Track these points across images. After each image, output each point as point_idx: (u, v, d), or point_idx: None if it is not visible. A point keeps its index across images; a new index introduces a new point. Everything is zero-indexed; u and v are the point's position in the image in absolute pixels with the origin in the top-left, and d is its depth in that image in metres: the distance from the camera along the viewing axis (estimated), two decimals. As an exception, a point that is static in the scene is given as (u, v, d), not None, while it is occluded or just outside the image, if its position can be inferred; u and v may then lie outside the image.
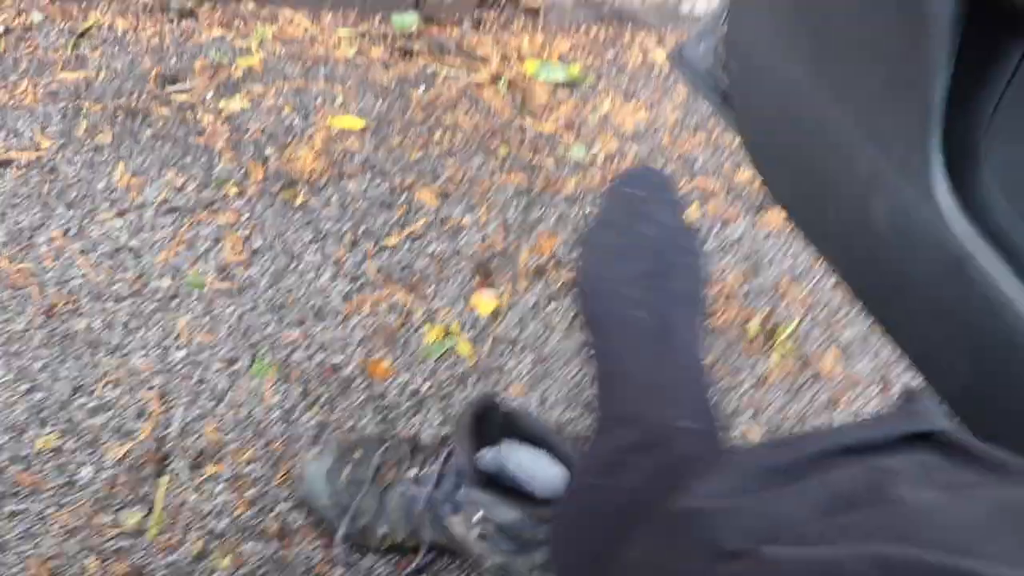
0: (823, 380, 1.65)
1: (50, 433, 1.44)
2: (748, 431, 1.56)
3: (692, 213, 1.86)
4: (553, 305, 1.65)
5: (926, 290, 0.82)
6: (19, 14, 2.13)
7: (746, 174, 1.95)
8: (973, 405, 0.86)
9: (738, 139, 1.99)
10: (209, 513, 1.40)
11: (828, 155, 0.90)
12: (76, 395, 1.48)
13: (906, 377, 1.68)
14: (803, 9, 0.88)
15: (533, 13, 2.22)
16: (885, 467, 0.49)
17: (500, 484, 1.22)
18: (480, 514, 1.15)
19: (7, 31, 2.07)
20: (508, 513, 1.13)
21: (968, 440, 0.50)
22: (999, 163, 0.74)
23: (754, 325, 1.70)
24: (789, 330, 1.70)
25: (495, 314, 1.62)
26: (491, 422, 1.20)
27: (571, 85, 2.08)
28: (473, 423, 1.15)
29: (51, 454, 1.42)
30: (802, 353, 1.69)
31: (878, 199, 0.81)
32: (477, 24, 2.18)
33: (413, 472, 1.26)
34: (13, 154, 1.82)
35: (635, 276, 0.98)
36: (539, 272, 1.69)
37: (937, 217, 0.75)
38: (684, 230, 0.91)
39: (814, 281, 1.80)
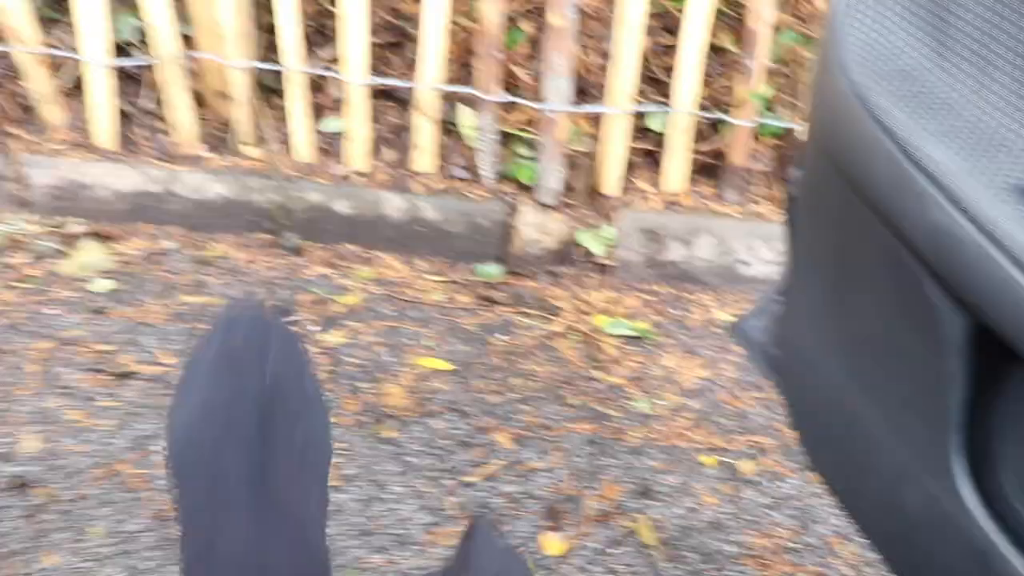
0: (868, 642, 1.74)
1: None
2: None
3: (746, 469, 2.00)
4: (616, 550, 1.78)
5: (951, 574, 0.91)
6: (153, 241, 2.42)
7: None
8: None
9: (790, 401, 2.15)
10: None
11: (861, 444, 1.02)
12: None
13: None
14: (839, 316, 1.03)
15: (605, 270, 2.46)
16: None
17: None
18: None
19: (145, 256, 2.35)
20: None
21: None
22: (1017, 467, 0.84)
23: (803, 582, 1.81)
24: (836, 590, 1.80)
25: (562, 556, 1.75)
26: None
27: (637, 339, 2.29)
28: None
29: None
30: (849, 613, 1.78)
31: (908, 488, 0.92)
32: (554, 277, 2.43)
33: None
34: (139, 367, 2.05)
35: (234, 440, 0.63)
36: (604, 518, 1.83)
37: (962, 511, 0.85)
38: (307, 374, 0.67)
39: (863, 540, 1.91)
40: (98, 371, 2.05)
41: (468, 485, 1.86)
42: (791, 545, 1.87)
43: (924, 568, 0.98)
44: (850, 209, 0.97)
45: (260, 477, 0.62)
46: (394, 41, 2.54)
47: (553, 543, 1.77)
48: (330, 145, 2.56)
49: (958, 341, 0.75)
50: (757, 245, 2.47)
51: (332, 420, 1.94)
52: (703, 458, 2.01)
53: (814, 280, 1.11)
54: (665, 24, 2.49)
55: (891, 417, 0.94)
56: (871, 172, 0.86)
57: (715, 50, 2.49)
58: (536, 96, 2.44)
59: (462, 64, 2.49)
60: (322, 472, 0.67)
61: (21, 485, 1.78)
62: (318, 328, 2.20)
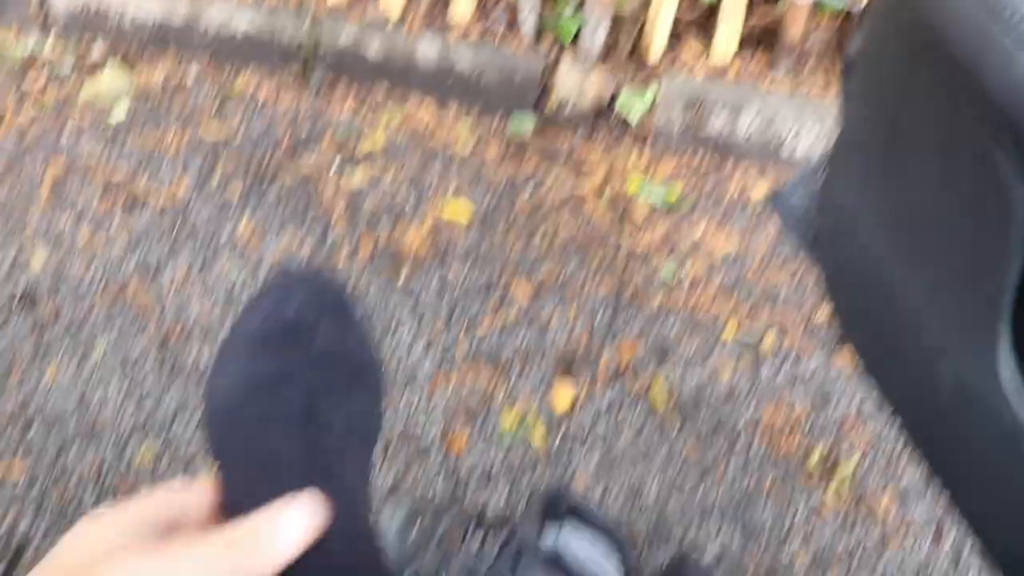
0: (877, 519, 1.70)
1: (149, 448, 1.57)
2: (796, 557, 1.61)
3: (767, 344, 1.94)
4: (626, 409, 1.74)
5: (982, 456, 0.87)
6: (176, 71, 2.34)
7: (825, 313, 2.03)
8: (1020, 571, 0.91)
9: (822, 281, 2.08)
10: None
11: (898, 319, 0.97)
12: (177, 419, 1.61)
13: (960, 531, 1.72)
14: (889, 185, 0.97)
15: (642, 134, 2.36)
16: None
17: (556, 564, 1.30)
18: (536, 592, 1.23)
19: (166, 85, 2.28)
20: (563, 594, 1.20)
21: None
22: None
23: (815, 457, 1.76)
24: (849, 467, 1.76)
25: (571, 409, 1.71)
26: (557, 509, 1.28)
27: (670, 207, 2.20)
28: (543, 507, 1.23)
29: (149, 469, 1.54)
30: (859, 490, 1.74)
31: (943, 366, 0.88)
32: (589, 136, 2.33)
33: (476, 544, 1.34)
34: (152, 194, 2.00)
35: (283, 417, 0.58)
36: (617, 376, 1.78)
37: (998, 394, 0.81)
38: (360, 345, 0.62)
39: (879, 423, 1.86)
40: (111, 196, 2.00)
41: (480, 332, 1.81)
42: (805, 423, 1.82)
43: (952, 449, 0.95)
44: (916, 69, 0.89)
45: (307, 459, 0.56)
46: None
47: (564, 396, 1.73)
48: (366, -16, 2.45)
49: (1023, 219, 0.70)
50: (802, 124, 2.35)
51: (348, 259, 1.89)
52: (724, 329, 1.94)
53: (866, 148, 1.05)
54: None
55: (934, 293, 0.90)
56: (947, 23, 0.79)
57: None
58: (585, -55, 2.31)
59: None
60: (370, 446, 0.61)
61: (29, 300, 1.75)
62: (340, 169, 2.13)
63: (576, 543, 1.30)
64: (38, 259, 1.84)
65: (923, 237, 0.92)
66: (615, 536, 1.27)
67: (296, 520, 0.48)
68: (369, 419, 0.63)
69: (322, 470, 0.58)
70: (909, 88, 0.94)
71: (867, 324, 1.11)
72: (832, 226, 1.16)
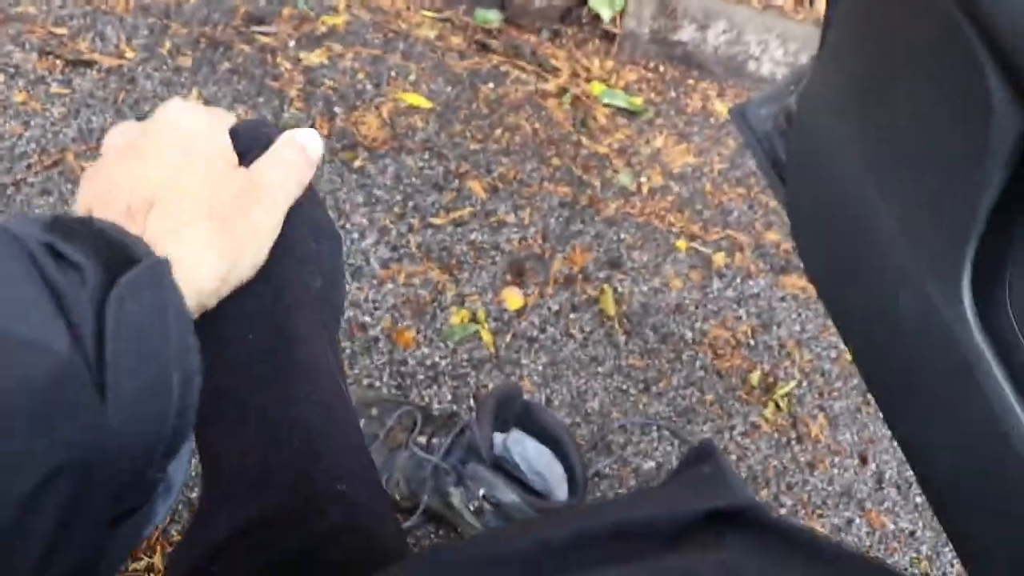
0: (807, 442, 1.74)
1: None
2: (731, 473, 1.65)
3: (718, 261, 1.94)
4: (575, 315, 1.73)
5: (932, 384, 0.88)
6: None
7: (775, 235, 2.04)
8: (950, 500, 0.93)
9: (775, 202, 2.08)
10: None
11: (865, 242, 0.96)
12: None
13: (884, 458, 1.77)
14: (871, 104, 0.95)
15: (609, 38, 2.30)
16: (683, 571, 0.35)
17: (501, 468, 1.30)
18: (482, 491, 1.23)
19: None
20: (509, 495, 1.21)
21: (783, 522, 0.38)
22: (1020, 290, 0.80)
23: (755, 377, 1.79)
24: (786, 389, 1.79)
25: (520, 311, 1.70)
26: (508, 409, 1.28)
27: (631, 114, 2.17)
28: (496, 407, 1.23)
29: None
30: (793, 413, 1.77)
31: (906, 293, 0.88)
32: (555, 35, 2.27)
33: (422, 439, 1.34)
34: (97, 56, 1.90)
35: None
36: (568, 281, 1.77)
37: (957, 322, 0.82)
38: (331, 224, 0.62)
39: (818, 349, 1.89)
40: (51, 54, 1.88)
41: (434, 227, 1.78)
42: (749, 341, 1.84)
43: (902, 376, 0.95)
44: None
45: (286, 344, 0.54)
46: None
47: (514, 297, 1.71)
48: None
49: (1008, 146, 0.68)
50: (771, 41, 2.32)
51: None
52: (677, 242, 1.94)
53: (848, 63, 1.03)
54: None
55: (906, 216, 0.89)
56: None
57: None
58: None
59: None
60: (338, 316, 0.63)
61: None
62: (298, 45, 2.04)
63: (521, 450, 1.31)
64: (-29, 114, 1.74)
65: (903, 157, 0.91)
66: (562, 446, 1.27)
67: (311, 139, 0.56)
68: (337, 281, 0.62)
69: (293, 346, 0.56)
70: (903, 7, 0.92)
71: (830, 246, 1.11)
72: (804, 144, 1.15)
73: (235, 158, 0.50)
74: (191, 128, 0.49)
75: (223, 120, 0.53)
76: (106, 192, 0.45)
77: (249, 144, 0.53)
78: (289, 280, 0.53)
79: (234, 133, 0.54)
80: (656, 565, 0.37)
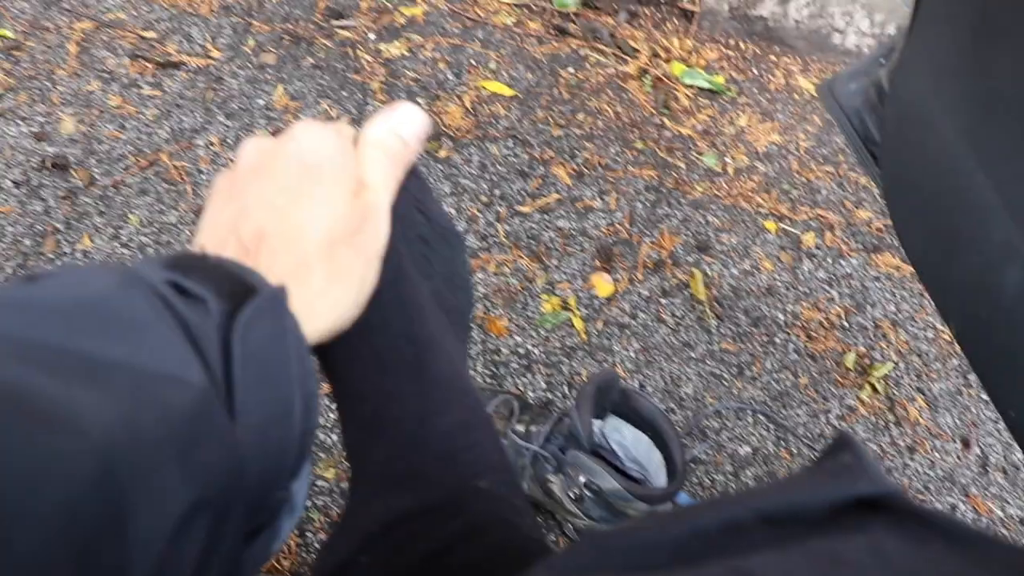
0: (906, 425, 1.70)
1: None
2: (829, 457, 1.62)
3: (808, 241, 1.90)
4: (666, 300, 1.72)
5: None
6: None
7: (866, 213, 1.99)
8: None
9: (865, 179, 2.03)
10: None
11: (965, 216, 0.93)
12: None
13: (988, 441, 1.72)
14: (974, 74, 0.92)
15: (688, 16, 2.27)
16: (830, 554, 0.36)
17: (600, 456, 1.30)
18: (583, 479, 1.23)
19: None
20: (610, 482, 1.20)
21: (923, 507, 0.37)
22: None
23: (850, 359, 1.75)
24: (883, 371, 1.75)
25: (610, 297, 1.69)
26: (606, 397, 1.27)
27: (713, 93, 2.13)
28: (596, 395, 1.22)
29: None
30: (891, 395, 1.73)
31: (1013, 268, 0.85)
32: (633, 17, 2.24)
33: (520, 427, 1.34)
34: (185, 58, 1.93)
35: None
36: (657, 266, 1.76)
37: None
38: (446, 220, 0.63)
39: (914, 329, 1.84)
40: (141, 58, 1.92)
41: (521, 215, 1.78)
42: (843, 323, 1.81)
43: (1012, 355, 0.93)
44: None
45: (428, 351, 0.57)
46: None
47: (604, 284, 1.70)
48: None
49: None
50: (856, 12, 2.26)
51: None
52: (766, 223, 1.91)
53: (946, 33, 1.00)
54: None
55: (1010, 191, 0.86)
56: None
57: None
58: None
59: None
60: (465, 320, 0.64)
61: (61, 166, 1.70)
62: (378, 38, 2.05)
63: (619, 437, 1.30)
64: (67, 124, 1.78)
65: (1008, 128, 0.88)
66: (660, 433, 1.26)
67: (409, 110, 0.54)
68: (466, 299, 0.64)
69: (434, 354, 0.58)
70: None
71: (929, 222, 1.08)
72: (900, 118, 1.12)
73: (355, 181, 0.50)
74: (323, 147, 0.49)
75: (348, 137, 0.52)
76: (238, 217, 0.46)
77: None
78: (407, 288, 0.54)
79: None
80: (802, 549, 0.37)
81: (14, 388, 0.29)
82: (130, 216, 1.64)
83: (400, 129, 0.53)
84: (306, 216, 0.46)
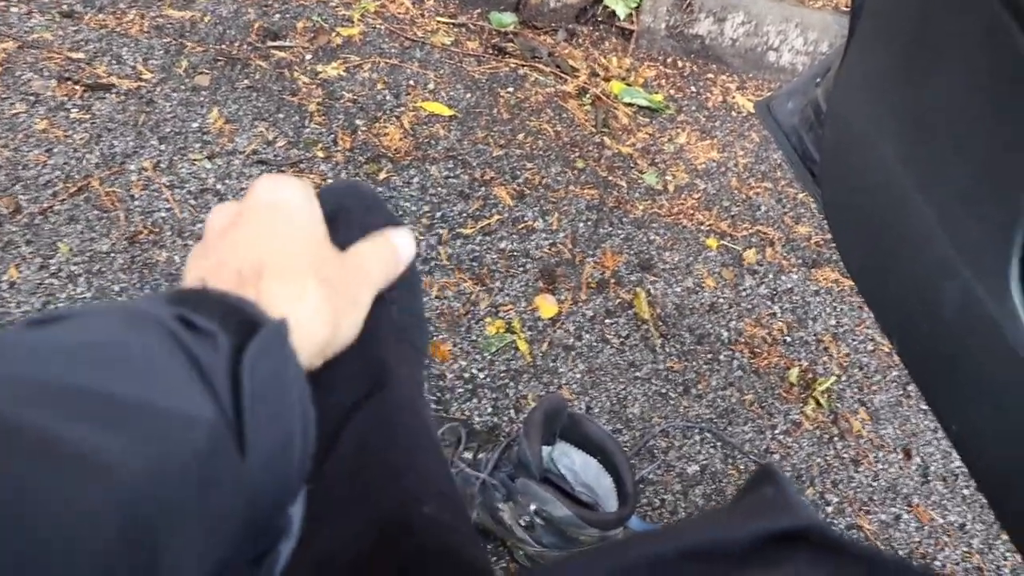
0: (850, 438, 1.72)
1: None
2: (776, 474, 1.62)
3: (749, 257, 1.92)
4: (610, 320, 1.71)
5: (981, 379, 0.87)
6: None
7: (805, 228, 2.02)
8: (1003, 492, 0.91)
9: (804, 194, 2.06)
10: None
11: (903, 233, 0.94)
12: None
13: (928, 451, 1.75)
14: (907, 95, 0.93)
15: (626, 35, 2.28)
16: None
17: (549, 482, 1.28)
18: (534, 507, 1.22)
19: (123, -41, 2.13)
20: (561, 510, 1.19)
21: (842, 539, 0.38)
22: None
23: (793, 374, 1.76)
24: (826, 385, 1.77)
25: (554, 319, 1.68)
26: (554, 422, 1.26)
27: (652, 112, 2.14)
28: (544, 421, 1.21)
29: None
30: (834, 409, 1.75)
31: (950, 285, 0.86)
32: (571, 36, 2.25)
33: (468, 455, 1.32)
34: (115, 80, 1.88)
35: None
36: (600, 286, 1.75)
37: (1006, 317, 0.80)
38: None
39: (855, 342, 1.86)
40: (69, 80, 1.87)
41: (463, 236, 1.76)
42: (785, 338, 1.82)
43: (946, 368, 0.94)
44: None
45: (382, 372, 0.61)
46: None
47: (548, 306, 1.69)
48: None
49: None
50: (790, 31, 2.29)
51: (324, 155, 1.81)
52: (707, 240, 1.92)
53: (881, 55, 1.01)
54: None
55: (945, 208, 0.87)
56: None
57: None
58: None
59: None
60: (420, 356, 0.69)
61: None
62: (315, 59, 2.02)
63: (568, 462, 1.29)
64: (-8, 143, 1.73)
65: (940, 148, 0.89)
66: (610, 457, 1.26)
67: (404, 238, 0.57)
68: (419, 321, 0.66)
69: (387, 375, 0.61)
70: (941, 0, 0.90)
71: (868, 239, 1.09)
72: (836, 137, 1.13)
73: (324, 230, 0.52)
74: (289, 200, 0.51)
75: (310, 189, 0.54)
76: (217, 264, 0.47)
77: (334, 208, 0.58)
78: (375, 325, 0.56)
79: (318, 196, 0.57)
80: None
81: (41, 435, 0.30)
82: (59, 245, 1.59)
83: (398, 242, 0.57)
84: (294, 247, 0.48)
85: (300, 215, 0.50)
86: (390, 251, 0.56)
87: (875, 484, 1.67)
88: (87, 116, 1.81)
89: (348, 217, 0.61)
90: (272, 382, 0.39)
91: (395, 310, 0.61)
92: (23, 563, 0.27)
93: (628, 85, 2.15)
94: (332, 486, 0.56)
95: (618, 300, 1.75)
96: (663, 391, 1.65)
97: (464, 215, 1.80)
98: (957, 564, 1.61)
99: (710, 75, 2.31)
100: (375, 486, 0.57)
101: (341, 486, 0.57)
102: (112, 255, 1.60)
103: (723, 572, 0.39)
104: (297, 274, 0.47)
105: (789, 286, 1.91)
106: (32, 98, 1.82)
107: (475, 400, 1.54)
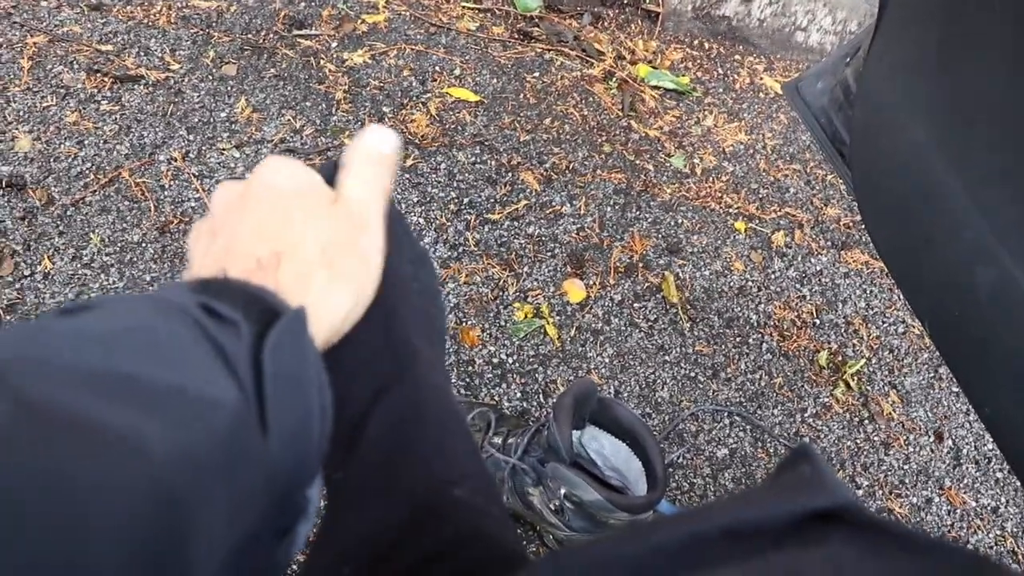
0: (880, 421, 1.71)
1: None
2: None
3: (778, 240, 1.91)
4: (638, 304, 1.71)
5: (1014, 360, 0.86)
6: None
7: (834, 210, 2.00)
8: None
9: (833, 176, 2.04)
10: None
11: (936, 216, 0.93)
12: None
13: (960, 433, 1.73)
14: (941, 74, 0.92)
15: (652, 18, 2.26)
16: (789, 566, 0.37)
17: (578, 466, 1.29)
18: (563, 491, 1.22)
19: (150, -50, 2.14)
20: (591, 494, 1.19)
21: (879, 518, 0.38)
22: None
23: (823, 357, 1.75)
24: (856, 367, 1.76)
25: (583, 303, 1.68)
26: (583, 407, 1.26)
27: (679, 94, 2.13)
28: (574, 406, 1.21)
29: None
30: (864, 391, 1.74)
31: (983, 268, 0.85)
32: (597, 19, 2.24)
33: (498, 440, 1.33)
34: (143, 71, 1.90)
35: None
36: (629, 270, 1.75)
37: None
38: (421, 247, 0.65)
39: (885, 325, 1.85)
40: (98, 72, 1.88)
41: (491, 222, 1.76)
42: (815, 321, 1.81)
43: (982, 354, 0.93)
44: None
45: (410, 360, 0.61)
46: None
47: (576, 290, 1.69)
48: None
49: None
50: (818, 11, 2.27)
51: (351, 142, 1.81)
52: (736, 223, 1.91)
53: (914, 34, 0.99)
54: None
55: (983, 193, 0.86)
56: None
57: None
58: None
59: None
60: (441, 337, 0.69)
61: (18, 185, 1.66)
62: (341, 46, 2.03)
63: (597, 446, 1.29)
64: (23, 141, 1.74)
65: (976, 129, 0.88)
66: (639, 441, 1.26)
67: (381, 136, 0.57)
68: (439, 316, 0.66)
69: (416, 364, 0.61)
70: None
71: (899, 221, 1.08)
72: (868, 117, 1.12)
73: (332, 195, 0.54)
74: (292, 176, 0.52)
75: (312, 171, 0.55)
76: (232, 246, 0.48)
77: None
78: (396, 305, 0.57)
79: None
80: (761, 562, 0.39)
81: (81, 417, 0.32)
82: (91, 236, 1.61)
83: (374, 145, 0.57)
84: (298, 232, 0.49)
85: (306, 190, 0.52)
86: (372, 163, 0.56)
87: (906, 467, 1.67)
88: (117, 108, 1.83)
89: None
90: (291, 369, 0.41)
91: (415, 287, 0.61)
92: (68, 533, 0.29)
93: (654, 68, 2.14)
94: (362, 472, 0.57)
95: (646, 284, 1.75)
96: (692, 375, 1.65)
97: (492, 201, 1.80)
98: (991, 547, 1.60)
99: (737, 56, 2.29)
100: (405, 471, 0.58)
101: (370, 472, 0.58)
102: (143, 245, 1.62)
103: (759, 550, 0.40)
104: (310, 264, 0.48)
105: (818, 268, 1.90)
106: (63, 91, 1.83)
107: (504, 385, 1.55)
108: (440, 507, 0.57)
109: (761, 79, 2.25)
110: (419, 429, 0.59)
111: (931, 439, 1.72)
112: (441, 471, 0.59)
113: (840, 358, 1.77)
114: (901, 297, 1.88)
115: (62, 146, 1.73)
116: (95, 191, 1.67)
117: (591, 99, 2.05)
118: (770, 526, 0.40)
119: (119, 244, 1.61)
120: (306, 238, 0.49)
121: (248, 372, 0.39)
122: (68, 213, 1.63)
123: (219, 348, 0.38)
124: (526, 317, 1.63)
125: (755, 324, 1.76)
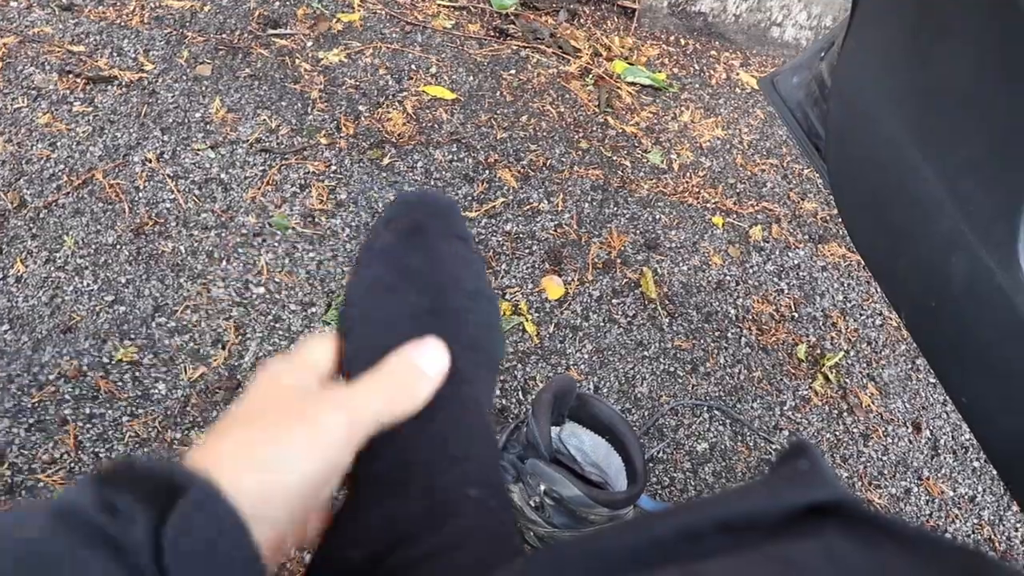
0: (859, 413, 1.72)
1: (130, 346, 1.50)
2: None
3: (755, 234, 1.91)
4: (617, 300, 1.71)
5: (990, 349, 0.87)
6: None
7: (811, 204, 2.01)
8: (1015, 463, 0.92)
9: (809, 170, 2.05)
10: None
11: (911, 207, 0.94)
12: (157, 314, 1.54)
13: (938, 424, 1.75)
14: (914, 68, 0.93)
15: (628, 14, 2.27)
16: (785, 558, 0.38)
17: (559, 462, 1.29)
18: (543, 487, 1.22)
19: (122, -50, 2.12)
20: (571, 489, 1.19)
21: (874, 512, 0.39)
22: None
23: (802, 350, 1.76)
24: (834, 360, 1.77)
25: (561, 300, 1.68)
26: (563, 403, 1.26)
27: (655, 90, 2.14)
28: (553, 402, 1.21)
29: (129, 366, 1.48)
30: (843, 384, 1.75)
31: (958, 257, 0.86)
32: (573, 16, 2.24)
33: (477, 437, 1.32)
34: (116, 72, 1.88)
35: (412, 313, 0.63)
36: (607, 266, 1.75)
37: (1014, 287, 0.80)
38: (472, 270, 0.67)
39: (863, 317, 1.86)
40: (70, 73, 1.87)
41: (468, 220, 1.76)
42: (793, 314, 1.82)
43: (959, 344, 0.93)
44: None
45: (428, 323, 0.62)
46: None
47: (554, 287, 1.69)
48: None
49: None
50: (793, 6, 2.28)
51: (327, 142, 1.81)
52: (713, 218, 1.91)
53: (887, 27, 1.00)
54: None
55: (953, 180, 0.87)
56: None
57: None
58: None
59: None
60: (493, 364, 0.67)
61: (-12, 185, 1.64)
62: (316, 45, 2.02)
63: (577, 442, 1.29)
64: (-3, 138, 1.73)
65: (949, 121, 0.89)
66: (619, 436, 1.26)
67: (430, 354, 0.55)
68: (491, 335, 0.66)
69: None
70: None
71: (875, 213, 1.09)
72: (842, 111, 1.12)
73: (324, 384, 0.53)
74: (280, 368, 0.52)
75: (316, 351, 0.56)
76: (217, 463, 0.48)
77: (419, 214, 0.60)
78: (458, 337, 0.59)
79: (404, 203, 0.61)
80: (757, 554, 0.39)
81: None
82: (65, 238, 1.59)
83: (422, 362, 0.55)
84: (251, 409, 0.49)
85: (285, 378, 0.52)
86: (405, 376, 0.55)
87: (885, 458, 1.68)
88: (89, 109, 1.81)
89: (423, 240, 0.62)
90: (200, 547, 0.40)
91: (472, 319, 0.61)
92: None
93: (631, 64, 2.15)
94: (367, 470, 0.57)
95: (625, 280, 1.75)
96: (671, 370, 1.65)
97: (469, 198, 1.79)
98: (968, 536, 1.61)
99: (713, 52, 2.30)
100: (417, 470, 0.58)
101: (394, 466, 0.58)
102: (118, 247, 1.61)
103: (756, 543, 0.40)
104: (231, 428, 0.48)
105: (796, 262, 1.90)
106: (34, 92, 1.82)
107: (483, 383, 1.54)
108: (457, 505, 0.57)
109: (737, 75, 2.26)
110: (451, 435, 0.59)
111: (909, 430, 1.73)
112: (462, 473, 0.59)
113: (818, 351, 1.78)
114: (878, 289, 1.89)
115: (34, 148, 1.72)
116: (68, 193, 1.66)
117: (568, 96, 2.05)
118: (766, 519, 0.41)
119: (93, 246, 1.60)
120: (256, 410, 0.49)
121: (151, 565, 0.38)
122: (41, 215, 1.61)
123: (119, 550, 0.38)
124: (505, 314, 1.63)
125: (733, 318, 1.77)
